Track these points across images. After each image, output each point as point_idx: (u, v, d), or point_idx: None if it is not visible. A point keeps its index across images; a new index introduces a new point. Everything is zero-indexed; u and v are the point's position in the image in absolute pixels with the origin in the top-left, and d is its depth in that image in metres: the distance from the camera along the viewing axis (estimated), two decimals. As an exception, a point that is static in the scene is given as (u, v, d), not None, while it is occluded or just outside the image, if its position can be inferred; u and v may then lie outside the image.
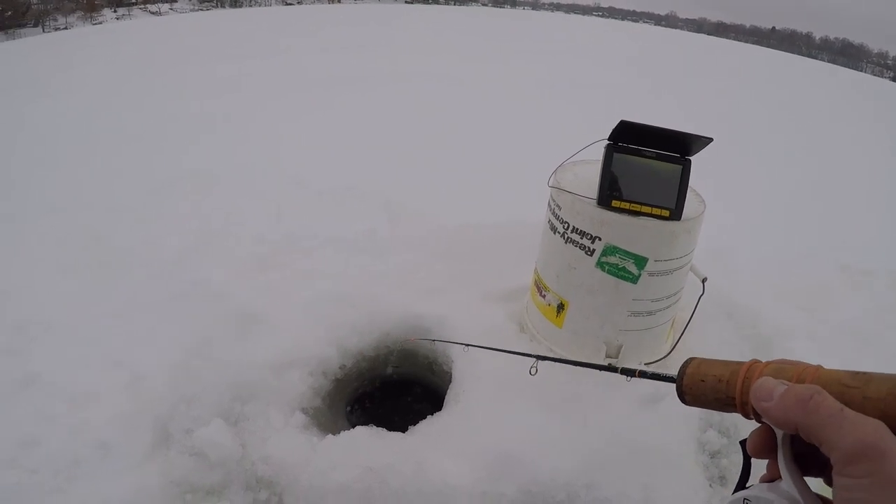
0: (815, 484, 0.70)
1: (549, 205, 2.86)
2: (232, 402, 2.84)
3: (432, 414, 2.80)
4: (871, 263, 4.83)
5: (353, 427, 2.73)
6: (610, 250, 2.60)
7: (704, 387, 0.80)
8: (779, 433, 0.70)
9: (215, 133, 7.27)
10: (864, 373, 0.66)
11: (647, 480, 2.47)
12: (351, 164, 6.23)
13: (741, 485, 0.77)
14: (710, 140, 2.43)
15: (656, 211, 2.53)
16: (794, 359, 0.75)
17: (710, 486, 2.78)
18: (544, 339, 3.02)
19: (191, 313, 3.49)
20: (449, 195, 5.21)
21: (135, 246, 4.33)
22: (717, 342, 3.26)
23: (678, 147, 2.53)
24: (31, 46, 13.64)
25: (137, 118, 7.74)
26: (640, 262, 2.61)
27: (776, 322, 3.60)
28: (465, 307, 3.26)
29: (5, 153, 6.44)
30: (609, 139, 2.54)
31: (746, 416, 0.75)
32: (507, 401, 2.70)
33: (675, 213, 2.55)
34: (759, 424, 0.74)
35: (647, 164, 2.53)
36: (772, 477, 0.73)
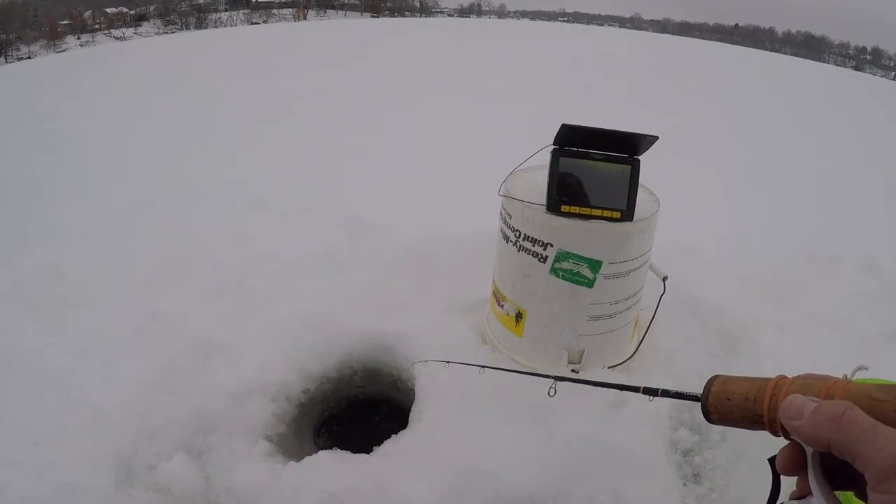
0: (847, 497, 0.70)
1: (500, 214, 2.83)
2: (194, 435, 2.80)
3: (396, 433, 2.76)
4: (838, 250, 4.83)
5: (320, 451, 2.68)
6: (563, 256, 2.57)
7: (731, 405, 0.79)
8: (808, 450, 0.69)
9: (171, 158, 7.20)
10: (894, 385, 0.65)
11: (616, 485, 2.44)
12: (309, 182, 6.19)
13: (772, 502, 0.76)
14: (655, 138, 2.41)
15: (607, 213, 2.50)
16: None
17: (685, 484, 2.75)
18: (506, 349, 2.98)
19: (149, 346, 3.44)
20: (409, 209, 5.18)
21: (94, 281, 4.26)
22: (682, 339, 3.24)
23: (626, 147, 2.50)
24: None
25: (93, 149, 7.65)
26: (595, 265, 2.57)
27: (742, 315, 3.58)
28: (427, 322, 3.22)
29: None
30: (554, 144, 2.51)
31: (775, 433, 0.74)
32: (470, 415, 2.66)
33: (627, 214, 2.52)
34: (787, 441, 0.72)
35: (595, 167, 2.50)
36: (801, 493, 0.71)
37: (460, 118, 8.97)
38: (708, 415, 0.82)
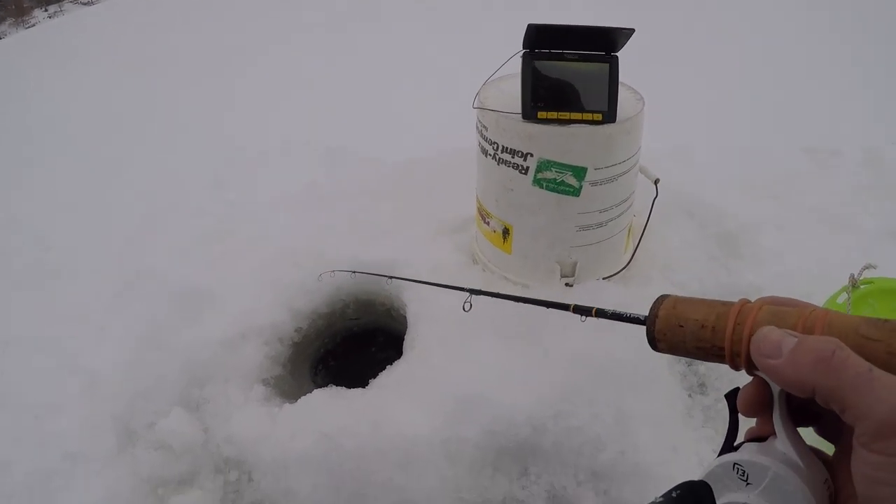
0: (807, 434, 0.63)
1: (476, 127, 2.70)
2: (189, 387, 2.76)
3: (393, 363, 2.70)
4: (837, 142, 4.69)
5: (315, 389, 2.63)
6: (544, 165, 2.45)
7: (683, 333, 0.70)
8: (775, 389, 0.61)
9: (139, 109, 7.04)
10: (886, 321, 0.56)
11: (619, 401, 2.37)
12: (283, 116, 6.05)
13: (728, 445, 0.68)
14: (631, 31, 2.27)
15: (587, 116, 2.37)
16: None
17: (690, 395, 2.69)
18: (496, 267, 2.87)
19: (137, 303, 3.37)
20: (389, 134, 5.05)
21: (79, 245, 4.20)
22: (680, 244, 3.13)
23: (601, 44, 2.36)
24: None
25: (59, 109, 7.51)
26: (579, 172, 2.45)
27: (741, 215, 3.46)
28: (415, 246, 3.13)
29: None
30: (524, 47, 2.37)
31: (736, 368, 0.66)
32: (463, 339, 2.58)
33: (609, 116, 2.38)
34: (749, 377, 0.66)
35: (571, 67, 2.36)
36: (762, 433, 0.65)
37: (425, 45, 8.74)
38: (654, 342, 0.75)
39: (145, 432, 2.66)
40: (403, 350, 2.74)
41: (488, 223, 2.80)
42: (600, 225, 2.63)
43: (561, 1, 10.43)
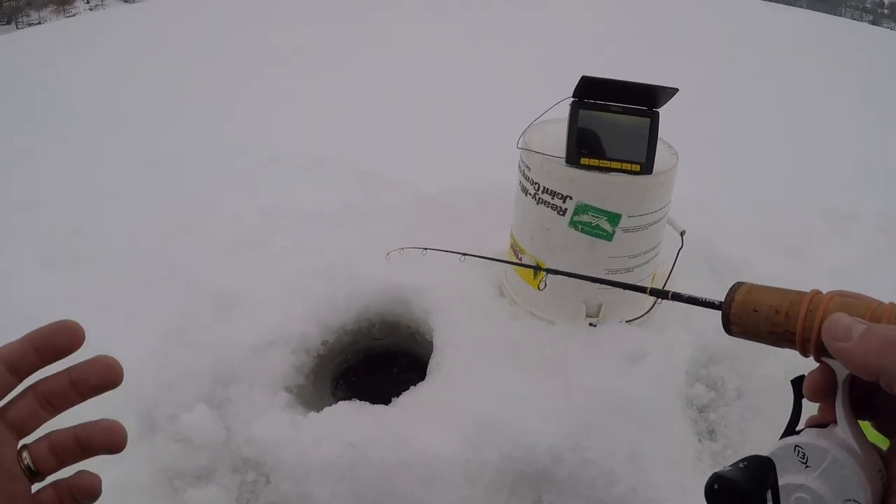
0: (864, 428, 0.67)
1: (519, 167, 2.83)
2: (214, 386, 2.82)
3: (415, 384, 2.79)
4: (854, 207, 4.79)
5: (339, 401, 2.71)
6: (582, 209, 2.57)
7: (758, 317, 0.72)
8: (840, 375, 0.66)
9: (187, 113, 7.17)
10: None
11: (633, 439, 2.45)
12: (324, 135, 6.17)
13: (790, 429, 0.71)
14: (675, 90, 2.40)
15: (626, 166, 2.50)
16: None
17: (700, 441, 2.77)
18: (524, 301, 2.99)
19: (169, 299, 3.46)
20: (426, 162, 5.16)
21: (113, 235, 4.29)
22: (699, 294, 3.22)
23: (645, 99, 2.49)
24: (8, 41, 13.48)
25: (108, 107, 7.64)
26: (614, 218, 2.57)
27: (760, 270, 3.55)
28: (445, 274, 3.22)
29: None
30: (574, 96, 2.50)
31: (805, 354, 0.69)
32: (488, 366, 2.68)
33: (646, 167, 2.51)
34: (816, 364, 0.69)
35: (615, 119, 2.49)
36: (823, 420, 0.68)
37: (473, 72, 8.89)
38: (729, 325, 0.77)
39: (167, 424, 2.70)
40: (428, 372, 2.83)
41: (521, 259, 2.92)
42: (628, 270, 2.74)
43: (592, 46, 10.59)
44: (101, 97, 7.98)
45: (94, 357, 0.66)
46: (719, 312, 0.82)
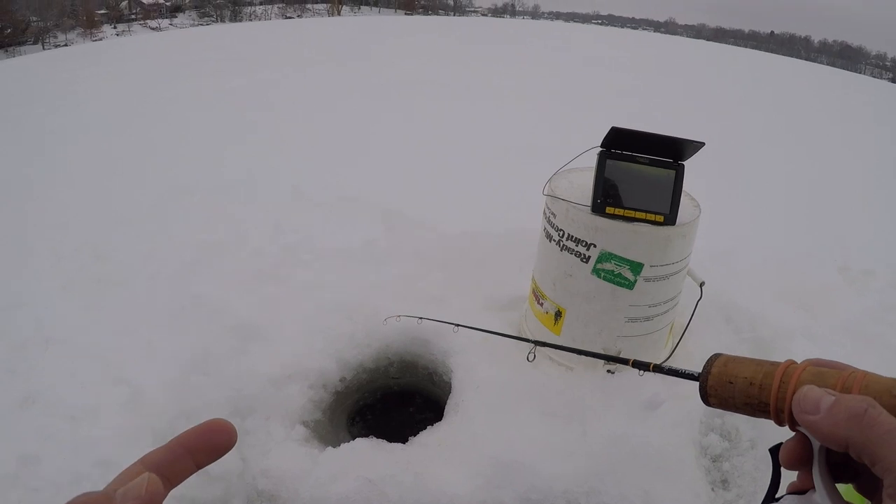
0: (843, 490, 0.67)
1: (544, 213, 2.87)
2: (231, 416, 2.83)
3: (431, 425, 2.81)
4: (871, 263, 4.82)
5: (354, 439, 2.72)
6: (605, 257, 2.61)
7: (733, 389, 0.73)
8: (815, 444, 0.66)
9: (211, 147, 7.29)
10: None
11: (647, 486, 2.46)
12: (348, 174, 6.24)
13: (770, 496, 0.72)
14: (701, 144, 2.44)
15: (650, 216, 2.54)
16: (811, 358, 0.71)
17: (713, 490, 2.77)
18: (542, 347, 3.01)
19: (190, 328, 3.49)
20: (448, 204, 5.21)
21: (135, 262, 4.34)
22: (716, 346, 3.25)
23: (671, 152, 2.54)
24: (35, 62, 13.73)
25: (135, 133, 7.77)
26: (636, 268, 2.61)
27: (775, 323, 3.59)
28: (464, 317, 3.25)
29: (5, 168, 6.46)
30: (602, 146, 2.55)
31: (780, 424, 0.70)
32: (505, 409, 2.71)
33: (670, 219, 2.55)
34: (792, 433, 0.69)
35: (641, 170, 2.54)
36: (802, 487, 0.69)
37: (494, 121, 9.01)
38: (706, 398, 0.76)
39: (182, 452, 2.72)
40: (445, 413, 2.86)
41: (542, 304, 2.95)
42: (647, 318, 2.77)
43: (616, 96, 10.70)
44: (124, 126, 8.11)
45: (210, 423, 0.60)
46: (691, 373, 0.85)
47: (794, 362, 0.70)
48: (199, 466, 0.57)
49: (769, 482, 0.74)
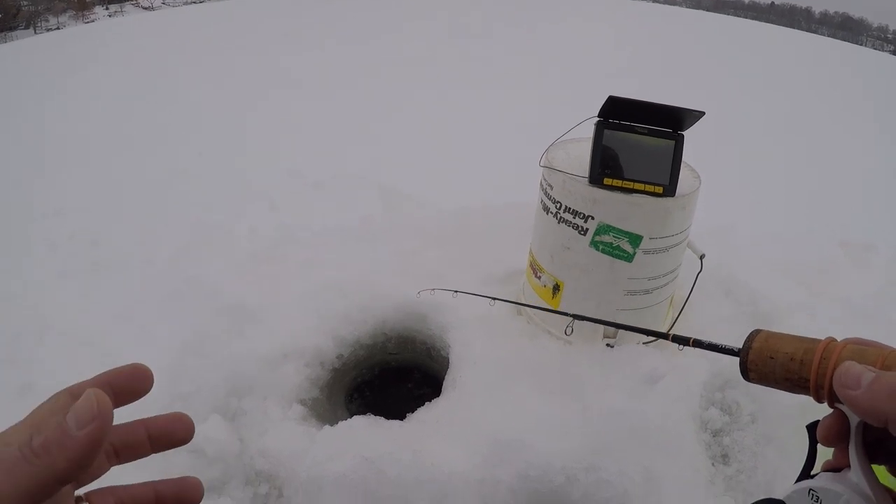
0: (876, 471, 0.67)
1: (541, 185, 2.83)
2: (228, 397, 2.82)
3: (431, 400, 2.78)
4: (872, 238, 4.78)
5: (352, 416, 2.69)
6: (603, 229, 2.57)
7: (774, 364, 0.73)
8: (853, 421, 0.66)
9: (205, 128, 7.24)
10: None
11: (647, 461, 2.44)
12: (344, 151, 6.21)
13: (805, 473, 0.71)
14: (702, 114, 2.40)
15: (649, 188, 2.50)
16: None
17: (713, 465, 2.75)
18: (541, 320, 2.98)
19: (186, 310, 3.48)
20: (445, 179, 5.19)
21: (130, 247, 4.33)
22: (715, 319, 3.23)
23: (670, 122, 2.49)
24: (30, 46, 13.63)
25: (125, 119, 7.72)
26: (635, 240, 2.57)
27: (775, 298, 3.55)
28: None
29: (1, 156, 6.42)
30: (599, 116, 2.50)
31: (819, 400, 0.70)
32: (504, 386, 2.68)
33: (669, 190, 2.51)
34: (830, 409, 0.69)
35: (639, 140, 2.49)
36: (838, 465, 0.69)
37: (493, 93, 8.95)
38: (746, 372, 0.77)
39: (180, 435, 2.71)
40: (443, 389, 2.83)
41: (539, 277, 2.91)
42: (647, 292, 2.74)
43: (613, 69, 10.64)
44: (120, 109, 8.06)
45: (174, 414, 0.65)
46: (736, 343, 0.84)
47: (834, 339, 0.70)
48: (155, 446, 0.62)
49: (805, 458, 0.73)
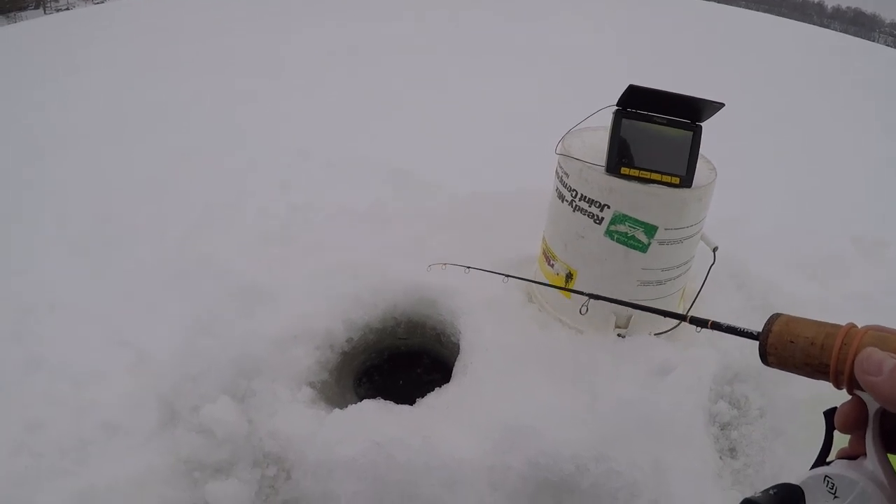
0: (895, 461, 0.67)
1: (556, 172, 2.81)
2: (238, 378, 2.81)
3: (440, 386, 2.77)
4: (884, 234, 4.75)
5: (361, 400, 2.69)
6: (619, 219, 2.56)
7: (794, 348, 0.74)
8: (872, 408, 0.66)
9: (219, 108, 7.22)
10: None
11: (657, 452, 2.43)
12: (357, 134, 6.19)
13: (821, 459, 0.72)
14: (721, 105, 2.38)
15: (666, 178, 2.48)
16: None
17: (721, 458, 2.75)
18: (553, 308, 2.97)
19: (195, 290, 3.47)
20: (458, 164, 5.16)
21: (140, 224, 4.32)
22: (727, 312, 3.21)
23: (689, 112, 2.47)
24: (43, 27, 13.63)
25: (141, 96, 7.70)
26: (650, 230, 2.56)
27: (787, 292, 3.53)
28: (472, 277, 3.21)
29: (12, 133, 6.40)
30: (617, 105, 2.48)
31: (838, 386, 0.70)
32: (514, 372, 2.67)
33: (686, 181, 2.50)
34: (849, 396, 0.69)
35: (657, 130, 2.47)
36: (854, 452, 0.69)
37: (506, 80, 8.92)
38: (766, 356, 0.77)
39: (189, 415, 2.70)
40: (453, 375, 2.82)
41: (552, 265, 2.90)
42: (660, 283, 2.73)
43: (623, 61, 10.57)
44: (132, 87, 8.04)
45: None
46: (750, 332, 0.86)
47: (854, 325, 0.70)
48: None
49: (821, 444, 0.74)
